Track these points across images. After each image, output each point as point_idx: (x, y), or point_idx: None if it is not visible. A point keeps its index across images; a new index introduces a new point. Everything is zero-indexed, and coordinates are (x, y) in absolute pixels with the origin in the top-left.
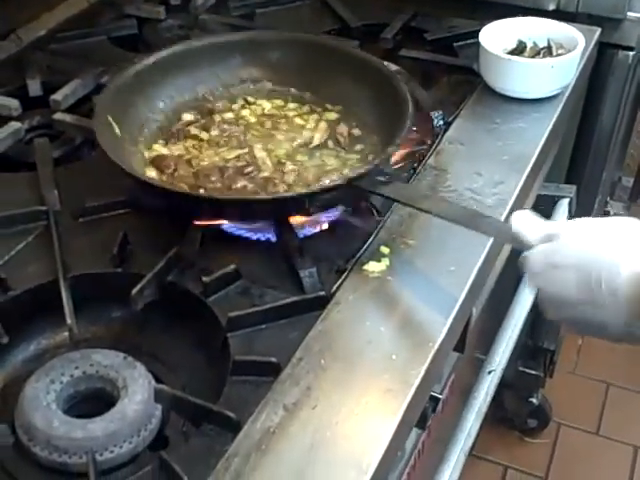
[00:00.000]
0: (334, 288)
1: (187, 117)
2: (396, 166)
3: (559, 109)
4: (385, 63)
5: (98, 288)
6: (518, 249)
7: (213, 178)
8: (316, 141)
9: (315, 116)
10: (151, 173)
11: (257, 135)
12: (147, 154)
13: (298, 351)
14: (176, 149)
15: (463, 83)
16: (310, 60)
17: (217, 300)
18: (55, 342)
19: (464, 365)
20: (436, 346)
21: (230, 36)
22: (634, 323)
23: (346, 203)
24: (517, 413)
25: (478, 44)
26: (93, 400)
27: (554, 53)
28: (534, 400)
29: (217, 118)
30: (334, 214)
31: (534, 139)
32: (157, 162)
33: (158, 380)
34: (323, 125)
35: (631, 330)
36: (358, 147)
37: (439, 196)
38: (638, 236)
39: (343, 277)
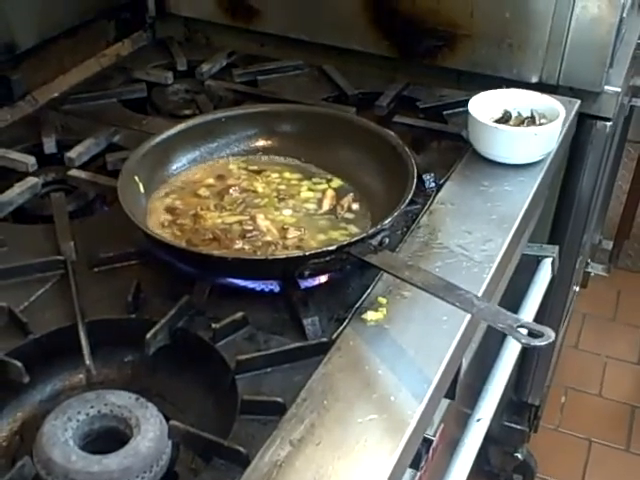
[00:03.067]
0: (335, 335)
1: (202, 180)
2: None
3: (542, 174)
4: (392, 134)
5: (113, 333)
6: (493, 327)
7: (212, 237)
8: (325, 207)
9: (322, 186)
10: (166, 217)
11: (264, 202)
12: (164, 205)
13: (302, 392)
14: (189, 205)
15: (452, 148)
16: (320, 131)
17: (225, 345)
18: (70, 384)
19: (453, 416)
20: (431, 389)
21: (245, 109)
22: None
23: (337, 268)
24: (502, 468)
25: (467, 112)
26: (107, 438)
27: (537, 122)
28: (519, 455)
29: (229, 184)
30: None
31: (519, 201)
32: (171, 210)
33: (168, 420)
34: (330, 192)
35: None
36: (360, 216)
37: (418, 266)
38: None
39: (343, 325)
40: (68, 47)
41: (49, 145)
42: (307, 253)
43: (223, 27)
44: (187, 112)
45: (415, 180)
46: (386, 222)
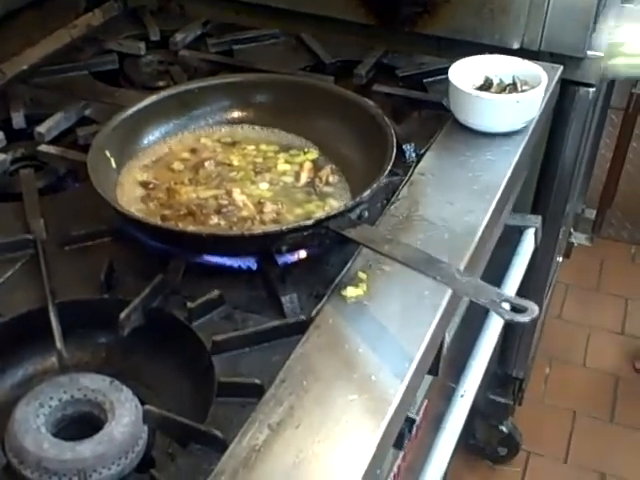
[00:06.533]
0: (314, 313)
1: (177, 154)
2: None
3: (524, 142)
4: (371, 103)
5: (85, 314)
6: (475, 302)
7: (187, 212)
8: (303, 180)
9: (300, 158)
10: (139, 192)
11: (240, 176)
12: (137, 180)
13: (281, 373)
14: (163, 179)
15: (433, 117)
16: (297, 101)
17: (202, 325)
18: (43, 368)
19: (437, 392)
20: (413, 367)
21: (219, 79)
22: None
23: (316, 243)
24: (487, 441)
25: (447, 80)
26: (81, 423)
27: (519, 89)
28: (504, 428)
29: (204, 157)
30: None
31: (502, 170)
32: (144, 185)
33: (144, 404)
34: (308, 165)
35: None
36: (338, 188)
37: (399, 240)
38: None
39: (322, 302)
40: (37, 18)
41: (18, 120)
42: (284, 228)
43: None
44: (160, 84)
45: (394, 151)
46: (365, 195)
